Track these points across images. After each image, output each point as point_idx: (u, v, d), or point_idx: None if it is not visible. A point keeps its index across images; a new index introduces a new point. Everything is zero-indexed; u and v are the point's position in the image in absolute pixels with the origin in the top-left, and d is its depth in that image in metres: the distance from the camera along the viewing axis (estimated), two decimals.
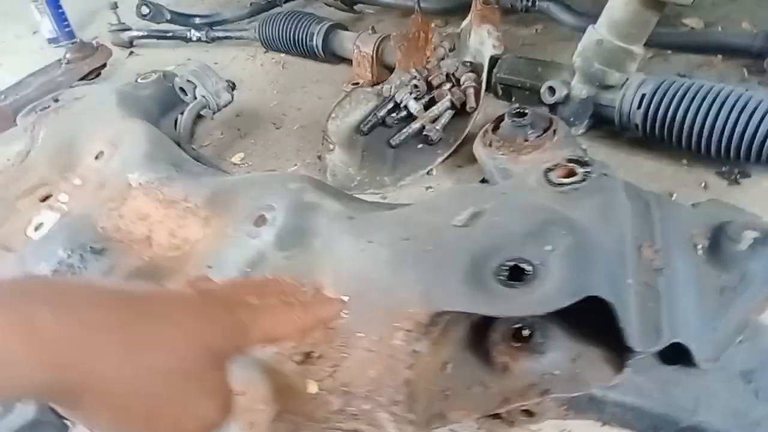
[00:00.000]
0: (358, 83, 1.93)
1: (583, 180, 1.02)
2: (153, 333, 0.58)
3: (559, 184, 1.03)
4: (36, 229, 1.29)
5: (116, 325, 0.56)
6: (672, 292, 0.92)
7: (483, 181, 1.47)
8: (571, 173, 1.06)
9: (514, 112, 1.39)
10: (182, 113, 1.57)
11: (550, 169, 1.07)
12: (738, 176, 1.29)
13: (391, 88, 1.65)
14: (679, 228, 1.03)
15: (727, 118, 1.27)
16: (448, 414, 0.89)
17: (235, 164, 1.72)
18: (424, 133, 1.56)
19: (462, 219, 0.95)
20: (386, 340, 0.89)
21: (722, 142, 1.29)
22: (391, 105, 1.62)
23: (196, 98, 1.56)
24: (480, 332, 0.94)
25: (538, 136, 1.36)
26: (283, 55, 2.22)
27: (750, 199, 1.24)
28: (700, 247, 1.02)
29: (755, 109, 1.25)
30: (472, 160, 1.52)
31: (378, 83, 1.88)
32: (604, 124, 1.46)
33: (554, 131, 1.36)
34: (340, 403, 0.83)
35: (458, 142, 1.52)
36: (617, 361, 0.88)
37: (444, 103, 1.56)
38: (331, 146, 1.58)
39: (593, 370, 0.89)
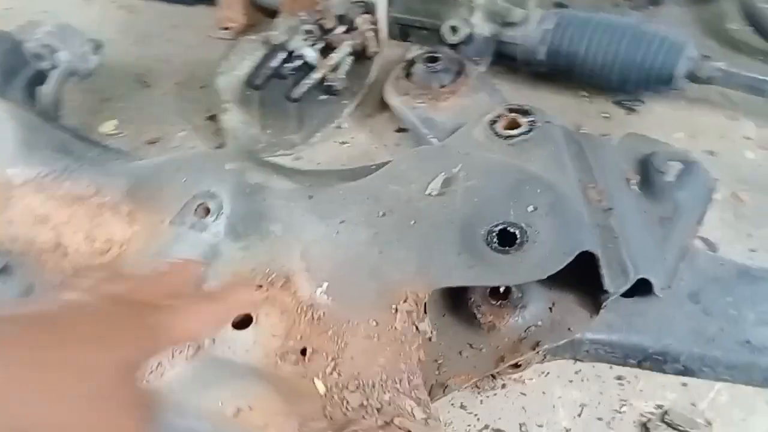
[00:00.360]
0: (227, 28, 1.77)
1: (530, 130, 1.04)
2: (61, 357, 0.52)
3: (508, 137, 1.04)
4: None
5: (25, 355, 0.51)
6: (623, 229, 0.99)
7: (400, 130, 1.45)
8: (514, 123, 1.08)
9: (426, 57, 1.37)
10: (40, 84, 1.34)
11: (494, 121, 1.08)
12: (634, 104, 1.40)
13: (279, 35, 1.53)
14: (613, 166, 1.10)
15: (623, 49, 1.35)
16: (448, 382, 0.91)
17: (108, 135, 1.53)
18: (326, 83, 1.48)
19: (435, 187, 0.94)
20: (386, 324, 0.87)
21: (618, 72, 1.37)
22: (284, 54, 1.51)
23: (54, 65, 1.33)
24: (455, 295, 0.95)
25: (453, 81, 1.35)
26: None
27: (647, 126, 1.35)
28: (633, 182, 1.10)
29: (646, 40, 1.35)
30: (381, 107, 1.49)
31: (252, 27, 1.75)
32: (504, 60, 1.48)
33: (467, 74, 1.36)
34: (357, 399, 0.81)
35: (363, 90, 1.47)
36: (591, 305, 0.94)
37: (343, 49, 1.48)
38: (226, 105, 1.45)
39: (571, 316, 0.94)
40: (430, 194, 0.93)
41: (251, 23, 1.78)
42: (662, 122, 1.35)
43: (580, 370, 1.00)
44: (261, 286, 0.96)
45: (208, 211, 1.00)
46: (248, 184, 1.00)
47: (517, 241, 0.86)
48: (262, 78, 1.50)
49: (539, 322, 0.95)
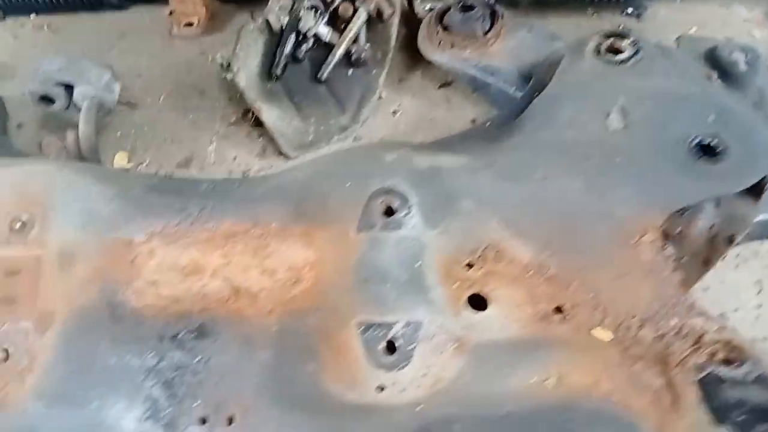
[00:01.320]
0: (191, 24, 1.63)
1: (638, 50, 1.12)
2: None
3: (622, 61, 1.11)
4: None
5: None
6: None
7: (443, 85, 1.46)
8: (616, 48, 1.14)
9: (461, 6, 1.38)
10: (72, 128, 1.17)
11: (597, 50, 1.14)
12: (639, 11, 1.52)
13: (276, 17, 1.44)
14: (696, 68, 1.21)
15: None
16: None
17: (125, 168, 1.37)
18: (353, 56, 1.44)
19: (615, 123, 0.99)
20: (630, 260, 0.92)
21: None
22: (294, 38, 1.43)
23: (71, 103, 1.16)
24: None
25: (491, 26, 1.38)
26: (33, 16, 1.70)
27: (662, 27, 1.49)
28: (714, 78, 1.23)
29: None
30: (408, 68, 1.49)
31: (214, 17, 1.63)
32: None
33: (501, 16, 1.40)
34: (649, 333, 0.86)
35: (390, 54, 1.45)
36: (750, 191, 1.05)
37: (361, 18, 1.44)
38: (257, 105, 1.36)
39: (738, 205, 1.06)
40: (616, 129, 0.97)
41: (213, 13, 1.65)
42: (673, 22, 1.49)
43: (738, 254, 1.12)
44: (471, 265, 0.96)
45: (391, 208, 0.97)
46: (421, 169, 0.98)
47: (718, 150, 0.94)
48: (281, 66, 1.42)
49: (717, 219, 1.04)
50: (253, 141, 1.40)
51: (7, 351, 0.97)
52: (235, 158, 1.38)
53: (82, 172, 1.05)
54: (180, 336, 0.91)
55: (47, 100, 1.15)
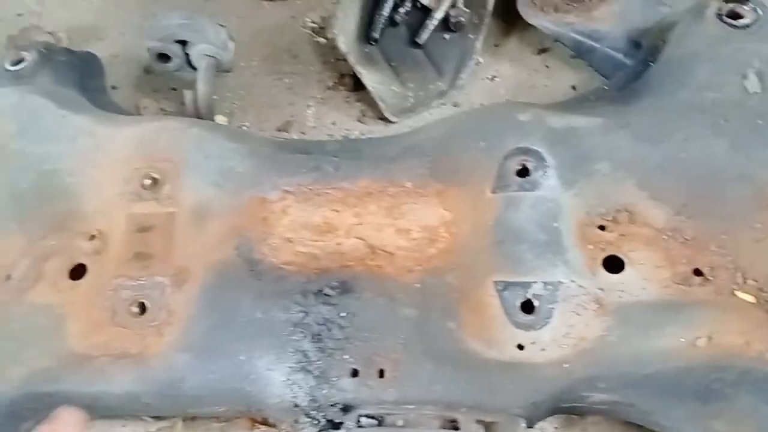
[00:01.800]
0: None
1: (759, 16, 1.11)
2: None
3: (746, 26, 1.10)
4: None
5: None
6: None
7: (541, 51, 1.45)
8: (735, 13, 1.13)
9: None
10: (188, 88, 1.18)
11: (719, 15, 1.13)
12: None
13: None
14: None
15: None
16: None
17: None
18: (451, 21, 1.43)
19: (754, 86, 0.98)
20: None
21: None
22: (392, 0, 1.43)
23: (187, 62, 1.17)
24: None
25: None
26: None
27: None
28: None
29: None
30: (505, 33, 1.48)
31: None
32: None
33: None
34: None
35: (486, 18, 1.44)
36: None
37: None
38: (358, 69, 1.37)
39: None
40: (755, 92, 0.97)
41: None
42: None
43: None
44: (603, 228, 0.97)
45: (526, 169, 0.98)
46: (556, 129, 0.99)
47: None
48: (379, 30, 1.42)
49: None
50: (352, 106, 1.41)
51: (143, 305, 1.00)
52: (334, 123, 1.39)
53: (213, 129, 1.07)
54: (324, 291, 0.93)
55: (164, 57, 1.16)
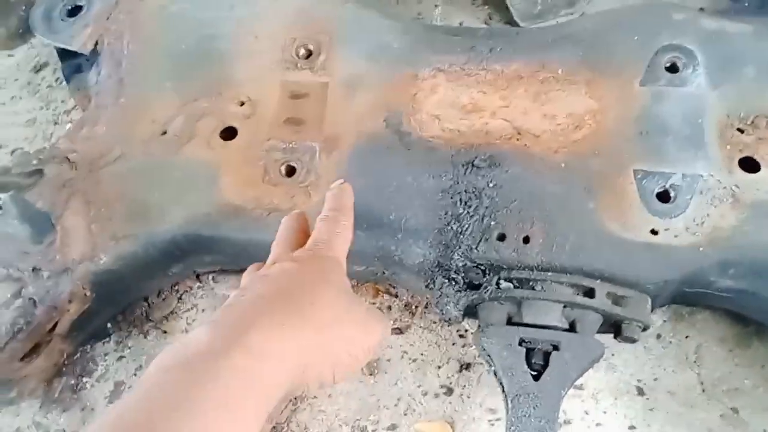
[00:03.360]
0: None
1: None
2: None
3: None
4: None
5: None
6: None
7: None
8: None
9: None
10: None
11: None
12: None
13: None
14: None
15: None
16: None
17: None
18: None
19: None
20: None
21: None
22: None
23: None
24: None
25: None
26: None
27: None
28: None
29: None
30: None
31: None
32: None
33: None
34: None
35: None
36: None
37: None
38: None
39: None
40: None
41: None
42: None
43: None
44: (741, 131, 1.02)
45: (676, 66, 1.02)
46: (709, 30, 1.02)
47: None
48: None
49: None
50: (478, 8, 1.45)
51: (293, 167, 1.08)
52: (461, 23, 1.44)
53: (368, 5, 1.13)
54: (473, 162, 1.00)
55: None
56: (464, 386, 1.11)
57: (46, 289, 1.01)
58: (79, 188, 1.09)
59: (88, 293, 1.03)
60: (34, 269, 1.02)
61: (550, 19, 1.42)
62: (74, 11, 1.23)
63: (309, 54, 1.12)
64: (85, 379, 1.14)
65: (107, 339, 1.17)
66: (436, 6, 1.47)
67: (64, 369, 1.11)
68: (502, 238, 0.96)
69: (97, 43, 1.20)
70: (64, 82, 1.35)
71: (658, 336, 1.12)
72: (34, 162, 1.09)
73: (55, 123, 1.42)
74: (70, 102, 1.41)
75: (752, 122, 1.02)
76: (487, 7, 1.45)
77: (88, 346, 1.16)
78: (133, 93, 1.17)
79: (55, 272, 1.02)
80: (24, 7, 1.47)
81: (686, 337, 1.12)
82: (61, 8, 1.22)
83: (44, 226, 1.03)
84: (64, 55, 1.28)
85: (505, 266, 0.95)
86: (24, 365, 1.00)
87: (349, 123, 1.08)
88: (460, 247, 0.96)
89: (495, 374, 0.93)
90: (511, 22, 1.41)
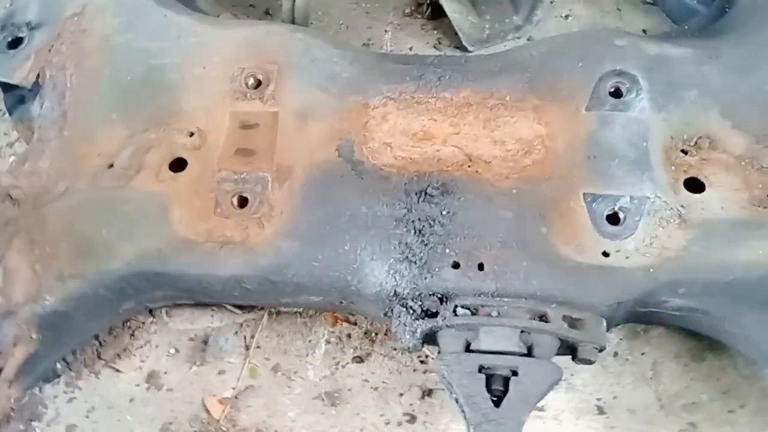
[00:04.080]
0: None
1: None
2: None
3: None
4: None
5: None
6: None
7: None
8: None
9: None
10: None
11: None
12: None
13: None
14: None
15: None
16: None
17: None
18: None
19: None
20: None
21: None
22: None
23: None
24: None
25: None
26: None
27: None
28: None
29: None
30: None
31: None
32: None
33: None
34: None
35: None
36: None
37: None
38: None
39: None
40: None
41: None
42: None
43: None
44: (685, 152, 1.05)
45: (620, 91, 1.05)
46: (651, 56, 1.06)
47: None
48: None
49: None
50: (428, 33, 1.47)
51: (245, 198, 1.07)
52: (411, 48, 1.45)
53: (318, 35, 1.13)
54: (426, 190, 1.01)
55: None
56: (427, 413, 1.11)
57: None
58: (23, 226, 1.05)
59: (34, 336, 1.00)
60: None
61: (498, 43, 1.45)
62: (15, 43, 1.19)
63: (258, 84, 1.12)
64: (35, 424, 1.10)
65: (57, 381, 1.13)
66: (386, 31, 1.48)
67: (12, 414, 1.06)
68: (456, 266, 0.96)
69: (39, 76, 1.17)
70: (7, 114, 1.31)
71: (615, 354, 1.14)
72: None
73: None
74: (13, 134, 1.37)
75: (695, 143, 1.05)
76: (436, 31, 1.47)
77: (37, 389, 1.12)
78: (77, 125, 1.14)
79: None
80: None
81: (642, 354, 1.14)
82: (1, 40, 1.19)
83: None
84: (6, 86, 1.24)
85: (460, 294, 0.95)
86: None
87: (301, 152, 1.07)
88: (415, 276, 0.96)
89: (456, 401, 0.93)
90: (460, 47, 1.43)
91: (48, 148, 1.14)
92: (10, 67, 1.18)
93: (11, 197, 1.08)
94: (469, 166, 1.03)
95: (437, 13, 1.46)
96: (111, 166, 1.11)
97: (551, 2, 1.50)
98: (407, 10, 1.50)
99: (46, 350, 1.04)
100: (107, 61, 1.17)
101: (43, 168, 1.12)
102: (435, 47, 1.45)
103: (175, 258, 1.03)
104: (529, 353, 0.94)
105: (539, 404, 1.00)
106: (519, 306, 0.95)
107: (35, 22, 1.20)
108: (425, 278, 0.96)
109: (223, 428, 1.09)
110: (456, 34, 1.42)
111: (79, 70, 1.16)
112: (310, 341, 1.17)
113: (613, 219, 1.00)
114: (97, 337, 1.15)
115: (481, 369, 0.93)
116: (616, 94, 1.05)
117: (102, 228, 1.05)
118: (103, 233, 1.04)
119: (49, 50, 1.18)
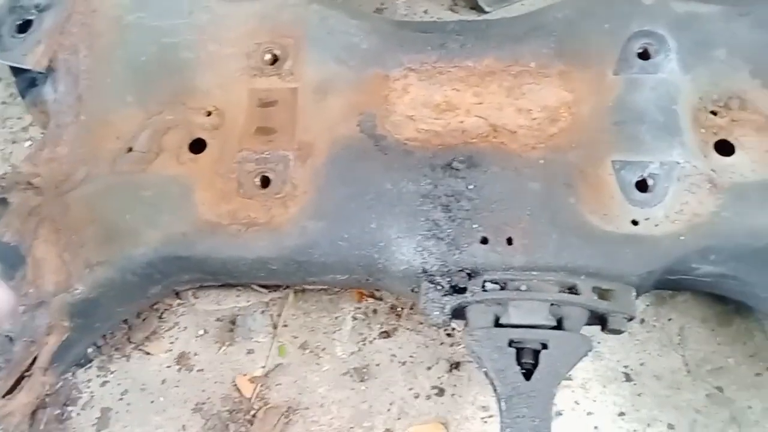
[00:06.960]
0: None
1: None
2: None
3: None
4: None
5: None
6: None
7: None
8: None
9: None
10: None
11: None
12: None
13: None
14: None
15: None
16: None
17: None
18: None
19: None
20: None
21: None
22: None
23: None
24: None
25: None
26: None
27: None
28: None
29: None
30: None
31: None
32: None
33: None
34: None
35: None
36: None
37: None
38: None
39: None
40: None
41: None
42: None
43: None
44: (714, 113, 1.04)
45: (648, 53, 1.03)
46: (679, 15, 1.04)
47: None
48: None
49: None
50: None
51: (268, 178, 1.07)
52: (426, 11, 1.43)
53: (334, 6, 1.12)
54: (451, 164, 1.01)
55: None
56: (455, 385, 1.13)
57: (22, 324, 1.00)
58: (47, 215, 1.07)
59: (66, 324, 1.02)
60: None
61: (515, 2, 1.43)
62: (24, 26, 1.19)
63: (275, 59, 1.11)
64: (70, 408, 1.14)
65: (89, 365, 1.16)
66: None
67: (47, 400, 1.10)
68: (485, 241, 0.97)
69: (51, 60, 1.17)
70: (19, 97, 1.31)
71: (642, 321, 1.15)
72: None
73: (13, 142, 1.39)
74: (27, 118, 1.38)
75: (725, 104, 1.04)
76: None
77: (71, 374, 1.15)
78: (93, 109, 1.15)
79: (30, 306, 1.00)
80: None
81: (669, 319, 1.15)
82: (10, 24, 1.18)
83: (14, 261, 1.02)
84: (17, 69, 1.24)
85: (489, 269, 0.96)
86: (6, 402, 0.99)
87: (322, 129, 1.07)
88: (444, 253, 0.97)
89: (486, 375, 0.94)
90: (477, 8, 1.41)
91: (65, 133, 1.15)
92: (21, 51, 1.17)
93: (33, 185, 1.09)
94: (494, 137, 1.03)
95: None
96: (130, 149, 1.12)
97: None
98: None
99: (77, 337, 1.06)
100: (119, 42, 1.16)
101: (62, 154, 1.13)
102: (450, 9, 1.43)
103: (200, 242, 1.04)
104: (559, 326, 0.95)
105: None
106: (548, 279, 0.96)
107: (44, 4, 1.19)
108: (454, 255, 0.97)
109: (255, 407, 1.12)
110: None
111: (92, 52, 1.16)
112: (336, 318, 1.18)
113: (642, 186, 1.00)
114: (126, 321, 1.18)
115: (510, 343, 0.94)
116: (645, 55, 1.04)
117: (126, 213, 1.06)
118: (127, 219, 1.06)
119: (60, 32, 1.17)
